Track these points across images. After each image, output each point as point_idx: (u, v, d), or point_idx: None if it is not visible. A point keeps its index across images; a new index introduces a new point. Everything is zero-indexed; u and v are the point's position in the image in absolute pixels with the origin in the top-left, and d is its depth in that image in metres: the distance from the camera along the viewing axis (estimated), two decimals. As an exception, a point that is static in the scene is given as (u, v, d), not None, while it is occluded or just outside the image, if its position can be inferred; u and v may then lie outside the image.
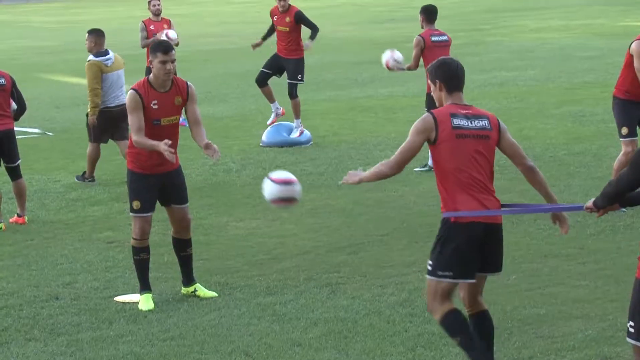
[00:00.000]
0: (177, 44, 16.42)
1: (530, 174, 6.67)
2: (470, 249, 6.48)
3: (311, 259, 9.89)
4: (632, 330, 5.82)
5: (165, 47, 8.46)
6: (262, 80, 16.17)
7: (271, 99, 16.37)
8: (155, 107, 8.48)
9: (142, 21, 18.50)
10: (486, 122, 6.54)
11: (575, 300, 8.38)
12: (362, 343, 7.66)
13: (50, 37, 39.37)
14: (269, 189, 7.30)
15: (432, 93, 6.74)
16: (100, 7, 57.52)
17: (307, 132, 16.06)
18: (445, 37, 13.75)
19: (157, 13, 18.27)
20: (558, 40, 29.97)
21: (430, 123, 6.46)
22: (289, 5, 15.90)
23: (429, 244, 9.48)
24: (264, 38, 16.41)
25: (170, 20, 18.58)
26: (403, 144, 6.53)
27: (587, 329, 7.73)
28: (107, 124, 13.50)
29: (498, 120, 6.60)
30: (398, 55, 13.93)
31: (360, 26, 38.48)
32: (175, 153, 8.67)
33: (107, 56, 13.55)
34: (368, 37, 33.85)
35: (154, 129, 8.49)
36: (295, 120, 15.98)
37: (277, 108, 16.43)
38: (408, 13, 40.74)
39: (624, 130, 11.12)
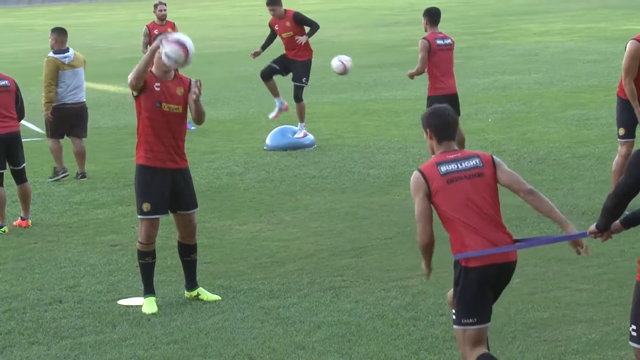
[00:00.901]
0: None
1: (530, 197, 6.54)
2: (486, 292, 6.42)
3: (315, 262, 9.89)
4: (634, 334, 5.81)
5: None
6: (267, 75, 16.15)
7: (275, 93, 16.34)
8: (157, 89, 8.61)
9: (146, 25, 18.58)
10: (477, 160, 6.51)
11: (578, 304, 8.37)
12: (366, 347, 7.65)
13: (54, 40, 39.37)
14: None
15: (427, 142, 6.70)
16: (103, 10, 57.58)
17: (310, 136, 16.06)
18: (449, 41, 13.74)
19: (162, 17, 18.37)
20: (561, 43, 29.97)
21: (420, 180, 6.48)
22: (284, 10, 15.89)
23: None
24: (263, 47, 16.33)
25: (174, 24, 18.63)
26: (415, 211, 6.50)
27: (591, 333, 7.72)
28: (64, 119, 13.99)
29: (492, 157, 6.56)
30: (344, 58, 14.33)
31: (364, 29, 38.49)
32: (183, 153, 8.72)
33: (66, 54, 14.10)
34: (372, 41, 33.86)
35: (157, 112, 8.59)
36: (299, 123, 15.97)
37: (282, 103, 16.41)
38: (412, 16, 40.75)
39: (621, 131, 11.17)
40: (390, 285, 9.06)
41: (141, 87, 8.60)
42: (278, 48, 16.39)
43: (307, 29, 15.96)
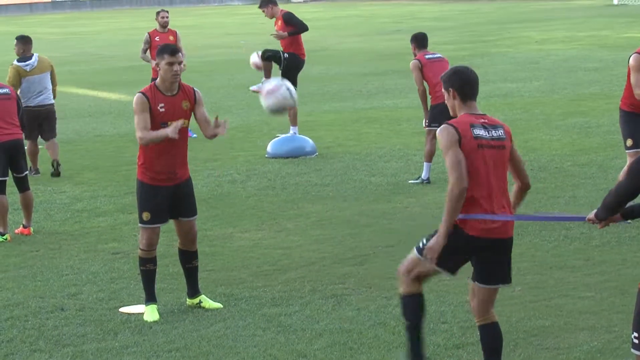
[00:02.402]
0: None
1: (523, 189, 6.71)
2: (465, 256, 6.53)
3: (316, 270, 9.89)
4: (636, 341, 5.81)
5: (172, 49, 8.49)
6: (271, 56, 16.31)
7: (268, 75, 16.44)
8: (162, 110, 8.50)
9: (148, 33, 18.63)
10: (502, 131, 6.53)
11: (580, 312, 8.37)
12: (368, 354, 7.65)
13: (56, 48, 39.43)
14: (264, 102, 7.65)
15: (445, 101, 6.71)
16: (105, 18, 57.65)
17: (311, 142, 16.06)
18: (439, 55, 13.90)
19: (164, 25, 18.44)
20: (563, 51, 29.99)
21: (454, 134, 6.40)
22: (279, 10, 16.16)
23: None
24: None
25: (176, 32, 18.68)
26: (448, 163, 6.37)
27: (593, 341, 7.71)
28: (31, 122, 14.66)
29: (510, 131, 6.61)
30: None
31: (366, 38, 38.52)
32: (186, 164, 8.70)
33: (28, 62, 14.97)
34: (374, 49, 33.89)
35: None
36: (291, 127, 16.15)
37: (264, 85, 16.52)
38: (413, 24, 40.78)
39: (629, 142, 11.18)
40: (392, 293, 9.05)
41: (148, 112, 8.49)
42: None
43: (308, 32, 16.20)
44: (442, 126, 6.50)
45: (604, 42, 32.08)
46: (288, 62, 16.18)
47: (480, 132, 6.45)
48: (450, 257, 6.53)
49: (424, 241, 6.61)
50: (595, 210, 6.26)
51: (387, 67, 27.78)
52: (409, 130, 17.73)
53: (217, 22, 51.27)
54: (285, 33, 16.14)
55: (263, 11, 16.35)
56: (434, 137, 13.83)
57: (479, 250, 6.50)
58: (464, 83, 6.53)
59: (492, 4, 55.72)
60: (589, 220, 6.31)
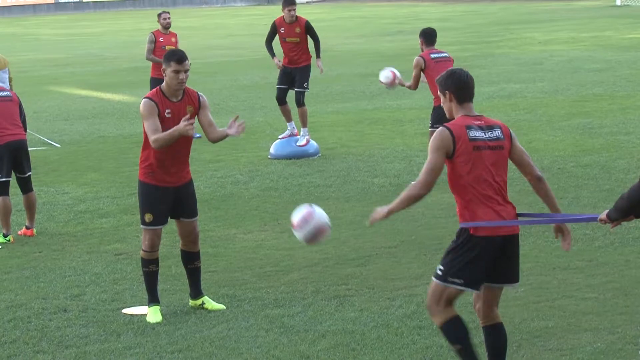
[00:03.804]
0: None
1: (538, 184, 6.65)
2: (486, 261, 6.47)
3: (319, 271, 9.88)
4: None
5: (179, 57, 8.45)
6: (281, 98, 16.17)
7: (288, 118, 16.32)
8: (169, 115, 8.49)
9: (152, 32, 18.63)
10: (499, 131, 6.53)
11: (584, 313, 8.36)
12: (370, 356, 7.64)
13: (59, 49, 39.47)
14: (299, 235, 7.21)
15: (442, 104, 6.72)
16: (108, 19, 57.68)
17: (314, 143, 16.07)
18: (445, 54, 13.84)
19: (166, 26, 18.47)
20: (566, 52, 29.97)
21: (448, 137, 6.41)
22: (297, 15, 15.92)
23: (437, 257, 9.50)
24: (271, 51, 16.33)
25: (176, 34, 18.71)
26: (426, 164, 6.45)
27: (596, 342, 7.70)
28: None
29: (509, 129, 6.61)
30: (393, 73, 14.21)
31: (369, 39, 38.52)
32: (188, 166, 8.69)
33: None
34: (376, 50, 33.89)
35: None
36: (302, 129, 15.99)
37: (293, 128, 16.36)
38: (416, 25, 40.75)
39: None
40: (395, 294, 9.05)
41: (157, 116, 8.47)
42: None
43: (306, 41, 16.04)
44: (439, 128, 6.52)
45: (608, 43, 32.06)
46: (307, 78, 16.06)
47: (477, 133, 6.45)
48: (470, 268, 6.46)
49: (441, 267, 6.55)
50: (607, 211, 6.25)
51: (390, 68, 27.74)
52: (411, 131, 17.72)
53: (219, 23, 51.28)
54: (321, 63, 16.07)
55: (290, 10, 15.90)
56: (438, 138, 13.82)
57: (492, 250, 6.47)
58: (460, 85, 6.54)
59: (495, 5, 55.72)
60: (601, 220, 6.30)
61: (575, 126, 17.46)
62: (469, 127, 6.44)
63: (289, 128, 16.37)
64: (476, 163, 6.42)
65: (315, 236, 7.15)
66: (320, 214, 7.19)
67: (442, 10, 53.48)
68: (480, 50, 31.56)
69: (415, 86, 13.84)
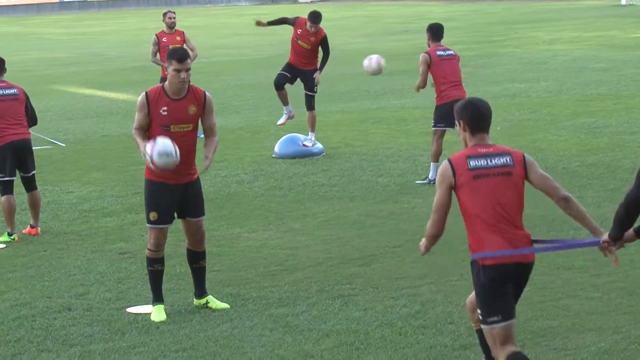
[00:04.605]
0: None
1: (564, 204, 6.49)
2: (506, 289, 6.37)
3: (323, 270, 9.89)
4: None
5: (180, 56, 8.48)
6: (280, 83, 16.16)
7: (285, 102, 16.40)
8: (165, 113, 8.51)
9: (155, 34, 18.65)
10: (508, 158, 6.43)
11: (588, 313, 8.35)
12: (375, 355, 7.64)
13: (63, 48, 39.50)
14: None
15: (459, 133, 6.63)
16: (112, 19, 57.70)
17: (319, 145, 16.08)
18: (451, 52, 13.81)
19: (171, 26, 18.47)
20: (571, 52, 29.95)
21: (448, 170, 6.40)
22: (321, 30, 15.91)
23: (441, 256, 9.52)
24: (270, 23, 16.33)
25: (184, 32, 18.70)
26: (434, 200, 6.47)
27: (600, 342, 7.70)
28: None
29: (523, 156, 6.48)
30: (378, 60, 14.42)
31: (373, 38, 38.52)
32: (194, 165, 8.70)
33: None
34: (381, 49, 33.84)
35: (164, 134, 8.51)
36: (310, 133, 16.00)
37: (290, 110, 16.46)
38: (421, 24, 40.71)
39: None
40: (399, 293, 9.05)
41: (146, 113, 8.55)
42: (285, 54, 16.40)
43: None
44: (443, 162, 6.50)
45: (612, 43, 32.02)
46: (317, 83, 16.09)
47: (479, 162, 6.38)
48: (497, 301, 6.37)
49: (479, 311, 6.44)
50: (607, 232, 6.22)
51: (394, 67, 27.75)
52: (416, 131, 17.72)
53: (224, 23, 51.29)
54: (319, 76, 16.05)
55: (312, 27, 15.88)
56: (441, 137, 13.82)
57: (507, 278, 6.38)
58: (475, 116, 6.46)
59: (499, 4, 55.69)
60: (604, 242, 6.26)
61: (580, 126, 17.45)
62: (470, 157, 6.40)
63: (285, 112, 16.47)
64: (479, 192, 6.36)
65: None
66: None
67: (446, 9, 53.46)
68: (484, 50, 31.54)
69: (423, 83, 13.74)
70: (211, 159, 8.65)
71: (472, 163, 6.38)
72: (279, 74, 16.17)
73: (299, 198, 13.08)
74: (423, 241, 6.64)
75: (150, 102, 8.50)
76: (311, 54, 15.97)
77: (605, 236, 6.24)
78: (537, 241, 6.57)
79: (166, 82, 8.61)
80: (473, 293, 6.67)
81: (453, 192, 6.43)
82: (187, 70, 8.48)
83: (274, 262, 10.23)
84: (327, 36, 16.01)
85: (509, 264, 6.36)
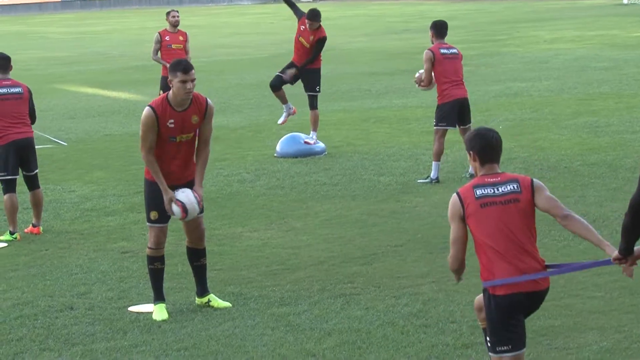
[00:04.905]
0: None
1: (566, 222, 6.46)
2: (517, 318, 6.36)
3: (325, 269, 9.89)
4: None
5: (184, 67, 8.42)
6: (277, 85, 16.16)
7: (284, 100, 16.43)
8: (172, 125, 8.49)
9: (158, 32, 18.68)
10: (515, 185, 6.40)
11: (590, 312, 8.35)
12: (376, 354, 7.65)
13: (65, 47, 39.50)
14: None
15: (469, 162, 6.60)
16: (114, 18, 57.72)
17: (321, 144, 16.08)
18: (455, 50, 13.77)
19: (175, 24, 18.49)
20: (572, 51, 29.94)
21: (457, 203, 6.42)
22: (320, 25, 15.89)
23: (443, 255, 9.51)
24: (286, 1, 16.32)
25: (186, 34, 18.73)
26: (450, 235, 6.47)
27: (602, 341, 7.70)
28: None
29: (531, 181, 6.45)
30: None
31: (374, 37, 38.51)
32: (194, 165, 8.71)
33: None
34: (382, 48, 33.88)
35: (170, 145, 8.51)
36: (312, 132, 16.00)
37: (289, 107, 16.48)
38: (423, 24, 40.73)
39: None
40: (401, 292, 9.05)
41: (156, 130, 8.49)
42: (288, 54, 16.40)
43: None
44: (452, 196, 6.48)
45: (614, 42, 32.01)
46: (318, 82, 16.06)
47: (485, 191, 6.39)
48: (508, 331, 6.35)
49: (487, 339, 6.46)
50: (617, 248, 6.18)
51: (396, 66, 27.76)
52: (417, 130, 17.72)
53: (226, 22, 51.30)
54: (293, 72, 16.04)
55: (310, 25, 15.88)
56: (442, 136, 13.81)
57: (518, 308, 6.37)
58: (484, 146, 6.46)
59: (501, 4, 55.69)
60: (615, 260, 6.22)
61: (582, 125, 17.44)
62: (476, 187, 6.40)
63: (285, 110, 16.48)
64: (487, 220, 6.34)
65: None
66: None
67: (448, 8, 53.45)
68: (486, 49, 31.53)
69: (429, 81, 13.68)
70: (201, 187, 8.67)
71: (479, 192, 6.39)
72: (276, 75, 16.18)
73: (301, 197, 13.09)
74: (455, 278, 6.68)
75: (159, 117, 8.46)
76: (310, 52, 15.95)
77: (615, 253, 6.21)
78: (550, 266, 6.52)
79: (169, 93, 8.54)
80: (478, 303, 6.68)
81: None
82: (193, 80, 8.46)
83: (275, 261, 10.23)
84: (326, 39, 15.97)
85: (520, 294, 6.31)
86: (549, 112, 18.99)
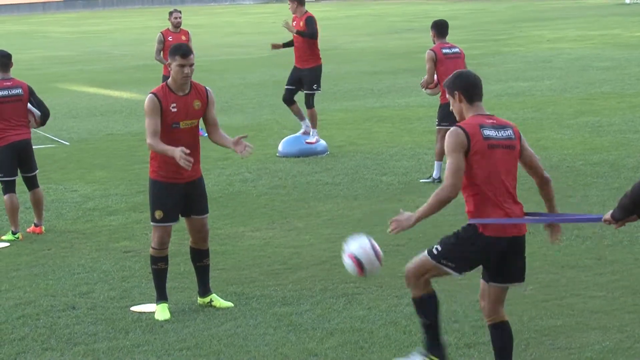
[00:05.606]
0: None
1: (544, 186, 6.68)
2: (486, 259, 6.51)
3: (327, 269, 9.89)
4: None
5: (184, 51, 8.48)
6: (289, 99, 16.16)
7: (301, 117, 16.31)
8: (175, 109, 8.51)
9: (161, 32, 18.70)
10: (510, 131, 6.53)
11: (592, 312, 8.35)
12: (379, 354, 7.65)
13: (68, 47, 39.52)
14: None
15: (451, 107, 6.70)
16: (117, 17, 57.74)
17: (323, 142, 16.08)
18: (457, 50, 13.77)
19: (177, 25, 18.53)
20: (575, 50, 29.94)
21: (462, 136, 6.41)
22: (305, 10, 15.93)
23: (445, 255, 9.49)
24: (285, 45, 16.42)
25: (188, 32, 18.73)
26: (447, 166, 6.46)
27: (604, 341, 7.70)
28: None
29: (519, 131, 6.61)
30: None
31: (377, 36, 38.51)
32: (198, 162, 8.69)
33: None
34: (385, 48, 33.88)
35: (173, 133, 8.51)
36: (311, 130, 16.00)
37: (307, 126, 16.32)
38: (425, 23, 40.73)
39: None
40: (403, 291, 9.04)
41: (159, 114, 8.49)
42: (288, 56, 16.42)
43: (321, 38, 16.00)
44: (452, 128, 6.51)
45: (616, 41, 32.01)
46: (317, 80, 16.07)
47: (491, 132, 6.46)
48: (467, 259, 6.55)
49: (438, 247, 6.60)
50: (611, 211, 6.25)
51: (398, 65, 27.76)
52: (420, 129, 17.71)
53: (228, 21, 51.30)
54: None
55: (291, 6, 16.06)
56: (444, 135, 13.80)
57: (496, 250, 6.49)
58: (468, 85, 6.54)
59: (503, 3, 55.68)
60: (605, 221, 6.30)
61: (584, 124, 17.44)
62: (482, 126, 6.45)
63: (303, 127, 16.30)
64: (489, 162, 6.43)
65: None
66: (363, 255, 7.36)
67: (451, 8, 53.45)
68: (488, 49, 31.53)
69: (431, 79, 13.65)
70: (244, 142, 8.55)
71: (486, 132, 6.44)
72: (285, 89, 16.18)
73: (303, 197, 13.09)
74: (412, 214, 6.55)
75: (162, 101, 8.50)
76: (307, 46, 15.93)
77: (607, 215, 6.29)
78: (529, 214, 6.67)
79: (169, 80, 8.62)
80: (482, 290, 6.70)
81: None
82: (191, 65, 8.50)
83: (277, 261, 10.23)
84: (314, 17, 15.96)
85: (504, 238, 6.46)
86: (551, 112, 18.99)
